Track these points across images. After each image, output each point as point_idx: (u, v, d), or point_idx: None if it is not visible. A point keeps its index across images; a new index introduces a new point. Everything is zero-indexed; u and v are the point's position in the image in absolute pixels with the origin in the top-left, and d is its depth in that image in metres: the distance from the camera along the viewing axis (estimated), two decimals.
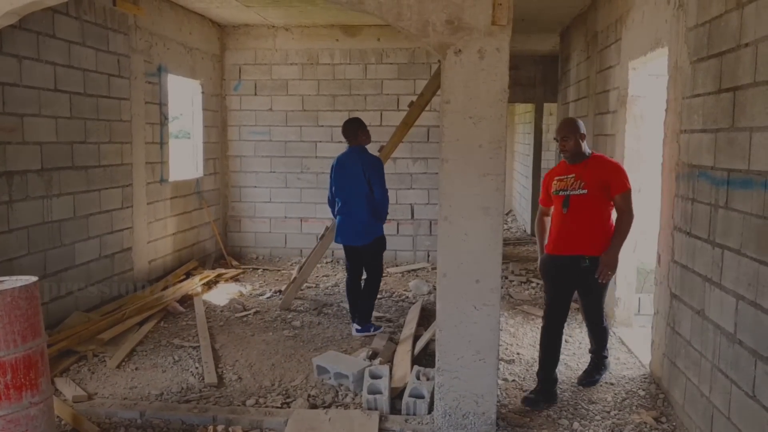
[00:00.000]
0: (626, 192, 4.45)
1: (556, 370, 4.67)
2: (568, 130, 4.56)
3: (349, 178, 5.97)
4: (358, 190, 5.92)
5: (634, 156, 5.92)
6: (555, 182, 4.65)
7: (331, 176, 6.21)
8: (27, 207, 5.49)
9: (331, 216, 6.32)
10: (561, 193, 4.57)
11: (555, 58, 10.86)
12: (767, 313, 3.06)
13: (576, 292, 4.73)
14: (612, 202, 4.50)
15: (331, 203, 6.28)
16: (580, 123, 4.60)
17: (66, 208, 6.01)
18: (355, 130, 6.03)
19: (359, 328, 6.06)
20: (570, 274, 4.56)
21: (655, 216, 5.01)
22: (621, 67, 6.07)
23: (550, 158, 13.19)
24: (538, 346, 4.76)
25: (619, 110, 6.10)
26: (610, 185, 4.44)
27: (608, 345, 5.03)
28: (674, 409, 4.38)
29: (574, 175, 4.53)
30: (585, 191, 4.46)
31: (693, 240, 4.08)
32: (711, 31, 3.87)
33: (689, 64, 4.24)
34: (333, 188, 6.17)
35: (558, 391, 4.62)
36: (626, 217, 4.45)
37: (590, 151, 4.63)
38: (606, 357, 4.97)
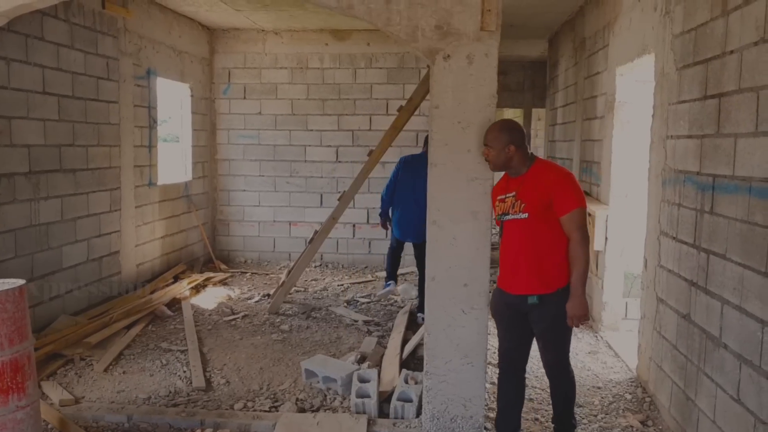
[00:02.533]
0: (575, 212, 3.43)
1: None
2: (490, 137, 3.57)
3: (424, 180, 6.16)
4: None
5: (622, 161, 5.97)
6: (497, 203, 3.71)
7: (397, 176, 6.54)
8: (14, 210, 5.46)
9: (319, 220, 6.35)
10: (502, 218, 3.64)
11: (543, 64, 10.93)
12: (752, 317, 3.10)
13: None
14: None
15: (388, 200, 6.67)
16: (513, 129, 3.58)
17: (54, 211, 5.98)
18: None
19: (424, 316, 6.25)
20: (522, 315, 3.64)
21: (642, 221, 5.05)
22: (608, 73, 6.12)
23: None
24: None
25: (606, 116, 6.14)
26: (553, 203, 3.45)
27: (575, 403, 3.99)
28: (660, 412, 4.42)
29: (514, 193, 3.57)
30: (525, 215, 3.50)
31: (679, 245, 4.12)
32: (697, 38, 3.92)
33: (675, 70, 4.29)
34: (400, 187, 6.49)
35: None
36: (577, 246, 3.42)
37: (534, 158, 3.63)
38: (575, 426, 3.89)
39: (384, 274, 8.95)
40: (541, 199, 3.47)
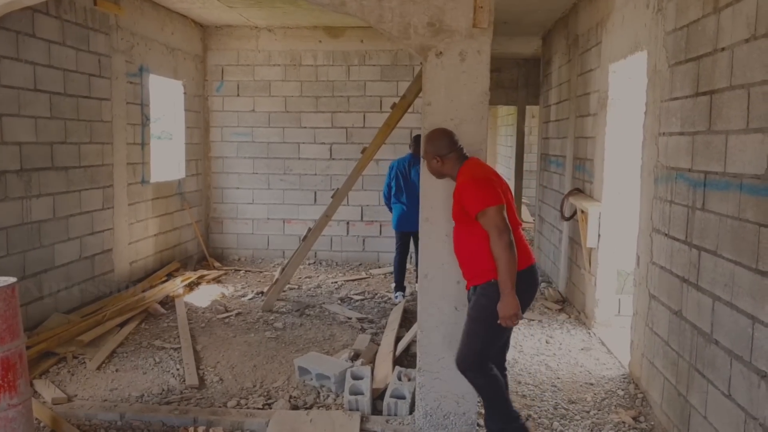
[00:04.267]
0: (482, 212, 3.40)
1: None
2: (423, 150, 3.76)
3: (411, 178, 7.16)
4: None
5: (614, 158, 5.98)
6: None
7: (393, 176, 7.29)
8: (6, 208, 5.44)
9: (313, 218, 6.40)
10: None
11: (537, 61, 10.94)
12: (743, 313, 3.11)
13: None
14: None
15: (389, 198, 7.42)
16: (435, 140, 3.67)
17: (46, 209, 5.96)
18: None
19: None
20: None
21: (635, 218, 5.07)
22: (601, 70, 6.13)
23: (533, 160, 13.28)
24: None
25: (599, 113, 6.15)
26: (464, 207, 3.51)
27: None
28: (652, 408, 4.43)
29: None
30: (453, 222, 3.68)
31: (671, 241, 4.13)
32: (689, 35, 3.93)
33: (667, 67, 4.30)
34: (397, 186, 7.27)
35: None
36: (493, 245, 3.37)
37: (464, 162, 3.66)
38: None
39: (378, 270, 9.05)
40: (455, 204, 3.57)
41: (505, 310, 3.36)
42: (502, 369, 3.85)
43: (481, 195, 3.43)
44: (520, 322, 6.35)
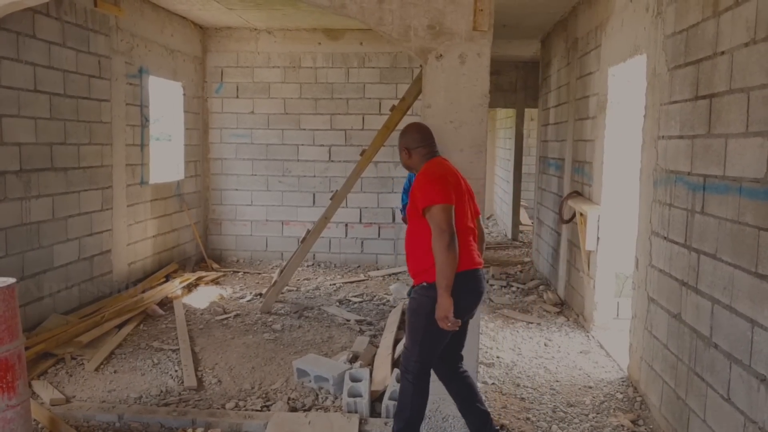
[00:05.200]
0: (427, 209, 3.36)
1: None
2: (399, 141, 3.75)
3: None
4: None
5: (613, 161, 5.99)
6: None
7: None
8: (5, 208, 5.43)
9: (312, 219, 6.41)
10: None
11: (536, 64, 10.95)
12: (742, 316, 3.11)
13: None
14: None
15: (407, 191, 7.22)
16: (407, 133, 3.68)
17: (45, 210, 5.96)
18: None
19: None
20: None
21: (634, 221, 5.07)
22: (601, 74, 6.13)
23: (531, 163, 13.28)
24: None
25: (598, 116, 6.16)
26: (415, 201, 3.46)
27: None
28: (651, 412, 4.43)
29: None
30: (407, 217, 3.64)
31: (670, 244, 4.14)
32: (688, 38, 3.93)
33: (667, 71, 4.31)
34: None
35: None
36: (433, 244, 3.31)
37: (430, 159, 3.62)
38: None
39: (376, 272, 9.07)
40: (410, 199, 3.52)
41: (438, 310, 3.31)
42: (456, 370, 3.75)
43: (430, 191, 3.37)
44: (523, 325, 6.37)
